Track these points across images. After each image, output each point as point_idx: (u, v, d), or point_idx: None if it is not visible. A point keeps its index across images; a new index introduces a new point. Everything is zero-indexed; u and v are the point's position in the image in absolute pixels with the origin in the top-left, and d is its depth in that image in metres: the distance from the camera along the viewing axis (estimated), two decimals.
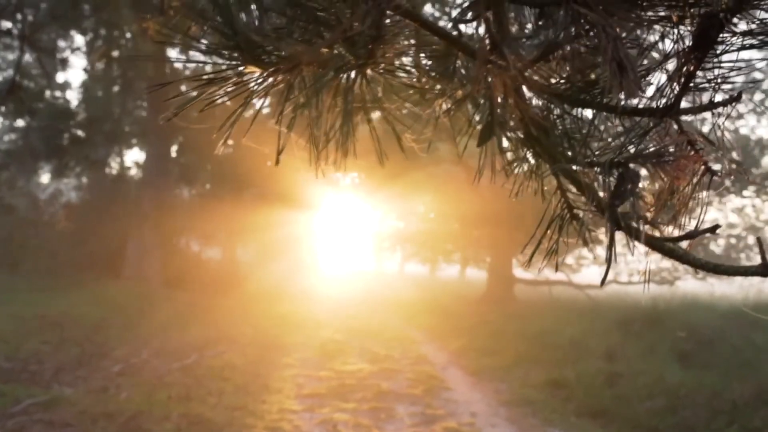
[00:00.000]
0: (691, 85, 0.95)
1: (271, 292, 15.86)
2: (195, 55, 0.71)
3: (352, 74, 0.76)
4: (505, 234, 14.78)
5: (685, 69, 0.93)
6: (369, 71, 0.77)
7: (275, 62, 0.65)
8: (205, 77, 0.66)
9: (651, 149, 0.78)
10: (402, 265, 33.65)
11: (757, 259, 0.91)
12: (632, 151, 0.89)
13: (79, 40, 14.67)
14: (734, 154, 0.97)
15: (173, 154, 17.04)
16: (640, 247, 0.93)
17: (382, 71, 0.79)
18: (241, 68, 0.66)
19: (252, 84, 0.68)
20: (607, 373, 6.41)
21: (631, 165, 0.74)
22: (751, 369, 5.80)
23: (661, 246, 0.86)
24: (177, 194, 17.63)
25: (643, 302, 10.65)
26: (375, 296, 19.48)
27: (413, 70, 0.83)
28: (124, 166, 18.23)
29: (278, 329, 10.60)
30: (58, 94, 14.88)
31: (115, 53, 13.75)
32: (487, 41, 0.71)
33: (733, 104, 0.97)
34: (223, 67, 0.66)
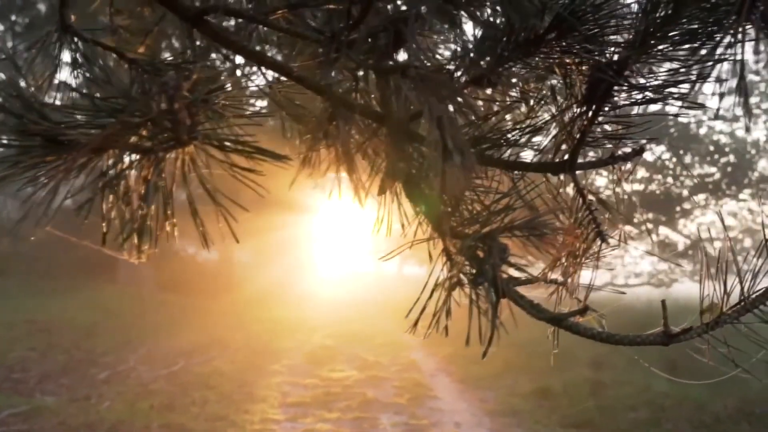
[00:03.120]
0: (589, 139, 0.89)
1: (267, 294, 15.80)
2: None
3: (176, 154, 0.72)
4: None
5: (579, 122, 0.88)
6: (192, 148, 0.73)
7: (72, 147, 0.61)
8: (10, 159, 0.63)
9: (521, 220, 0.73)
10: (400, 267, 33.55)
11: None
12: (519, 213, 0.83)
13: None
14: (631, 214, 0.92)
15: None
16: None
17: (205, 146, 0.74)
18: (40, 153, 0.62)
19: (54, 169, 0.64)
20: (593, 382, 6.35)
21: (500, 237, 0.69)
22: (738, 380, 5.73)
23: (549, 318, 0.81)
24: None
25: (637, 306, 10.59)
26: (371, 298, 19.43)
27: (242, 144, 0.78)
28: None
29: (270, 334, 10.55)
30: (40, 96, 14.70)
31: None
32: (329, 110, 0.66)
33: (635, 158, 0.92)
34: (20, 151, 0.62)
